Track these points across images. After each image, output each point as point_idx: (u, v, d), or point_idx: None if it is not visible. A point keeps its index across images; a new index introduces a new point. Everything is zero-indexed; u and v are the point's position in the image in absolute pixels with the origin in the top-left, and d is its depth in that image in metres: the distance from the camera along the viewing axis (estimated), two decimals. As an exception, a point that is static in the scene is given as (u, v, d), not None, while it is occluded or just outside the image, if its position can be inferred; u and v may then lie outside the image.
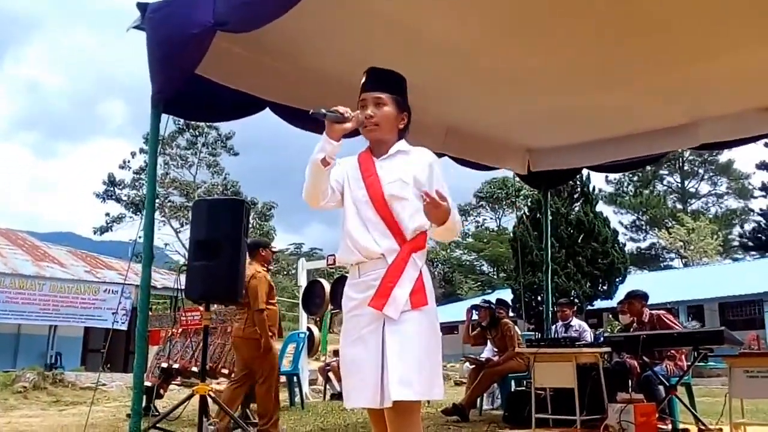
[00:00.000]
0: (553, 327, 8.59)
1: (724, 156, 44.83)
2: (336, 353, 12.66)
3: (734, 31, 4.89)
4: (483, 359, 8.18)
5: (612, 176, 43.26)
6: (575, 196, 22.71)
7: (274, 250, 6.42)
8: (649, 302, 6.91)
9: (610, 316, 23.12)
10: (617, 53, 5.21)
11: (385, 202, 2.51)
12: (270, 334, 5.97)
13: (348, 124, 2.53)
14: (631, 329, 6.93)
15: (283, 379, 10.17)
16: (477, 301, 9.41)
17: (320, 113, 2.54)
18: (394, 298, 2.40)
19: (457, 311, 20.97)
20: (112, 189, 34.45)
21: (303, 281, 10.92)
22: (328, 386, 11.48)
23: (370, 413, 2.60)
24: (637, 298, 6.80)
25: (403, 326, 2.40)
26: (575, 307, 9.07)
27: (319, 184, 2.56)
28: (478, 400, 7.96)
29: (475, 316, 8.28)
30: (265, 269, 6.14)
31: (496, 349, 7.98)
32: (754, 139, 6.88)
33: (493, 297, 10.64)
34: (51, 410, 9.73)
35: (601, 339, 7.95)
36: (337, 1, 4.40)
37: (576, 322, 8.58)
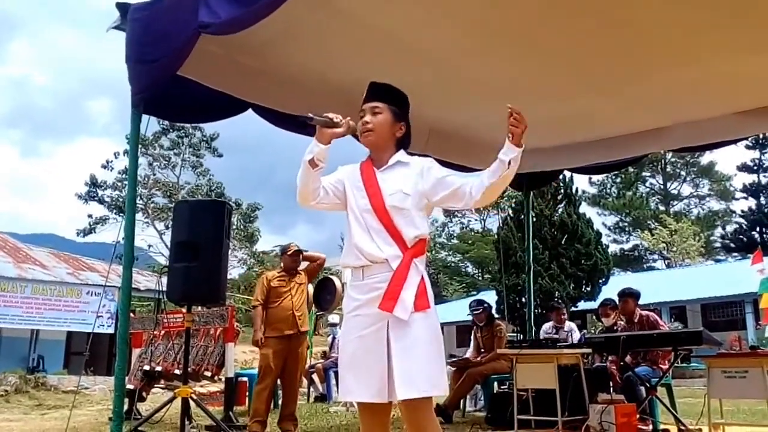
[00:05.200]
0: (543, 326, 8.72)
1: (706, 158, 45.31)
2: (324, 355, 12.66)
3: (710, 39, 4.96)
4: (465, 358, 8.22)
5: (595, 178, 43.59)
6: (559, 197, 22.83)
7: (288, 253, 6.47)
8: (632, 303, 6.96)
9: (594, 317, 23.27)
10: (597, 60, 5.27)
11: (386, 212, 2.63)
12: (274, 334, 6.12)
13: (338, 129, 2.66)
14: (620, 328, 6.98)
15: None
16: (462, 303, 9.45)
17: (309, 117, 2.63)
18: (403, 301, 2.52)
19: (442, 313, 20.95)
20: (94, 190, 34.15)
21: (287, 283, 10.88)
22: (311, 388, 11.47)
23: (364, 409, 2.65)
24: (632, 296, 6.87)
25: (408, 328, 2.52)
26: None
27: (308, 184, 2.67)
28: (461, 401, 7.99)
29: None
30: (280, 272, 6.39)
31: (483, 349, 8.01)
32: (731, 141, 6.97)
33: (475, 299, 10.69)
34: (33, 414, 9.65)
35: (584, 340, 8.02)
36: (320, 5, 4.41)
37: (569, 324, 8.78)
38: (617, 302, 7.14)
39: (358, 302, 2.63)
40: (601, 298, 9.42)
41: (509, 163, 2.59)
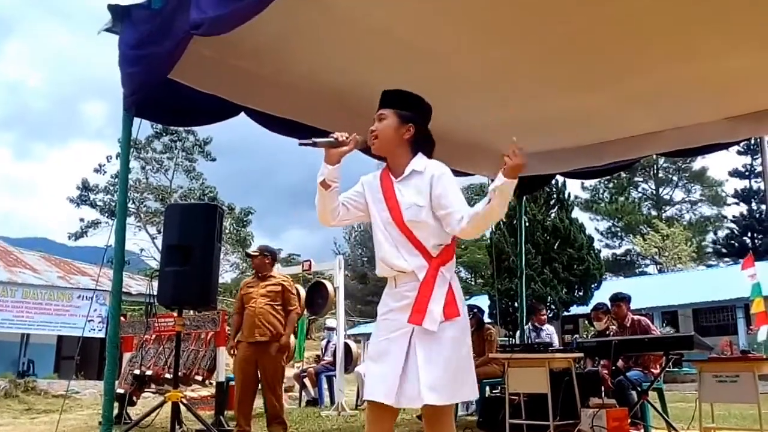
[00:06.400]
0: (526, 327, 8.74)
1: (698, 164, 45.55)
2: (316, 359, 12.63)
3: (699, 44, 4.97)
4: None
5: (588, 183, 43.70)
6: (551, 202, 22.89)
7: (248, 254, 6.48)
8: (624, 308, 6.97)
9: (586, 321, 23.28)
10: (590, 62, 5.26)
11: (406, 226, 2.64)
12: (241, 339, 6.11)
13: (345, 147, 2.68)
14: (612, 333, 7.00)
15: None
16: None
17: (310, 143, 2.67)
18: (431, 313, 2.54)
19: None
20: (86, 194, 34.06)
21: (279, 287, 10.86)
22: (303, 393, 11.44)
23: (373, 408, 2.67)
24: (624, 300, 6.89)
25: (435, 336, 2.55)
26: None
27: (326, 205, 2.72)
28: (453, 405, 7.97)
29: None
30: (253, 277, 6.39)
31: (474, 354, 8.01)
32: (724, 146, 6.99)
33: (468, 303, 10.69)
34: (22, 418, 9.60)
35: (575, 345, 8.03)
36: (311, 6, 4.40)
37: (547, 326, 8.80)
38: (609, 307, 7.15)
39: (388, 308, 2.68)
40: (593, 302, 9.44)
41: (495, 191, 2.53)
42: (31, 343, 17.25)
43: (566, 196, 23.26)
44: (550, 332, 8.63)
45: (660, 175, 48.12)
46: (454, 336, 2.59)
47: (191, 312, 7.47)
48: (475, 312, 8.10)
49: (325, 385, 10.87)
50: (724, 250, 40.49)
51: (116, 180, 31.39)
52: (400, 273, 2.66)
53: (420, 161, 2.72)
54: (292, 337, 11.03)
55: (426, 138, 2.79)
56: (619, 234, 46.57)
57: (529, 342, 7.95)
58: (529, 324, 8.74)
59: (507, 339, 17.30)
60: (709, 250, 43.05)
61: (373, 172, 2.84)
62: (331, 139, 2.66)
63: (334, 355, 10.43)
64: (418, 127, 2.75)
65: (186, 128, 32.10)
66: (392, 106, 2.76)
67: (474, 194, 43.04)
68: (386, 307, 2.70)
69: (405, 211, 2.65)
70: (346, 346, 10.03)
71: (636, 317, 6.83)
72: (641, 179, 48.37)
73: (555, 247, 21.92)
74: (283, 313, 6.13)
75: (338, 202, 2.74)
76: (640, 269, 44.29)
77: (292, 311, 6.19)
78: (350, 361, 10.08)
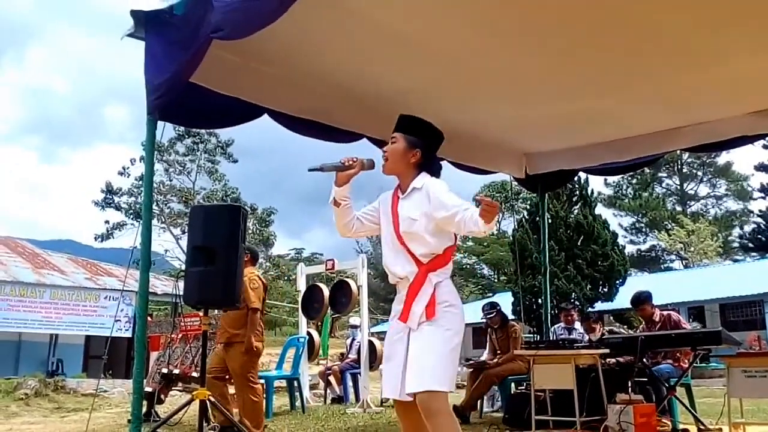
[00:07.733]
0: (553, 327, 8.66)
1: (723, 158, 45.04)
2: (342, 357, 12.69)
3: (724, 40, 4.93)
4: (482, 361, 8.20)
5: (611, 179, 43.31)
6: (574, 199, 22.72)
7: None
8: (650, 304, 6.87)
9: (611, 318, 23.13)
10: (611, 60, 5.23)
11: (401, 236, 2.96)
12: None
13: (351, 170, 2.99)
14: (641, 329, 6.92)
15: (283, 383, 10.21)
16: (479, 305, 9.44)
17: (318, 168, 2.97)
18: (413, 313, 2.89)
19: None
20: (110, 197, 34.46)
21: (302, 286, 10.94)
22: (328, 390, 11.49)
23: (396, 407, 3.04)
24: (646, 301, 6.74)
25: (420, 335, 2.87)
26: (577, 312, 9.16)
27: (340, 220, 3.11)
28: (479, 402, 7.98)
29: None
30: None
31: (499, 351, 8.00)
32: (748, 140, 6.90)
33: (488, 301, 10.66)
34: (52, 417, 9.74)
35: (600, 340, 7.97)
36: (332, 9, 4.42)
37: (578, 325, 8.69)
38: (635, 308, 7.02)
39: (394, 312, 3.02)
40: (618, 298, 9.37)
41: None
42: (60, 343, 17.48)
43: (589, 192, 23.08)
44: (582, 331, 8.53)
45: (684, 170, 47.65)
46: (434, 335, 2.83)
47: (216, 311, 7.53)
48: (498, 309, 8.09)
49: (350, 383, 10.90)
50: (750, 245, 39.87)
51: (140, 182, 31.76)
52: (400, 279, 2.97)
53: (420, 179, 3.00)
54: (316, 335, 11.12)
55: (431, 162, 3.06)
56: (644, 230, 46.14)
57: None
58: (560, 324, 8.68)
59: (531, 336, 17.21)
60: (736, 244, 42.46)
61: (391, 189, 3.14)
62: (338, 164, 2.97)
63: (358, 352, 10.46)
64: (424, 153, 3.02)
65: (208, 130, 32.32)
66: (403, 130, 3.04)
67: (496, 191, 42.92)
68: (393, 311, 3.03)
69: (401, 223, 2.96)
70: (371, 344, 10.06)
71: (666, 312, 6.74)
72: (665, 175, 47.92)
73: (578, 244, 21.76)
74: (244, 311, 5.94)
75: (352, 216, 3.10)
76: (666, 265, 43.87)
77: (250, 310, 5.97)
78: (375, 358, 10.10)
